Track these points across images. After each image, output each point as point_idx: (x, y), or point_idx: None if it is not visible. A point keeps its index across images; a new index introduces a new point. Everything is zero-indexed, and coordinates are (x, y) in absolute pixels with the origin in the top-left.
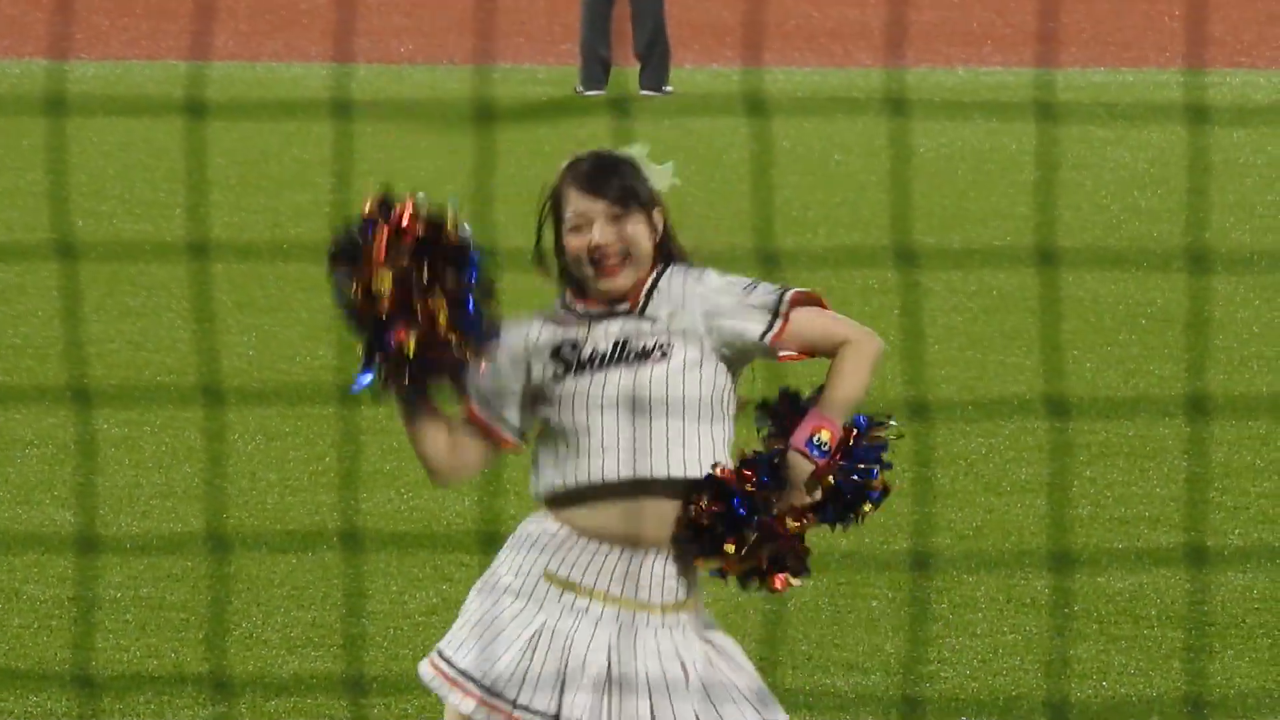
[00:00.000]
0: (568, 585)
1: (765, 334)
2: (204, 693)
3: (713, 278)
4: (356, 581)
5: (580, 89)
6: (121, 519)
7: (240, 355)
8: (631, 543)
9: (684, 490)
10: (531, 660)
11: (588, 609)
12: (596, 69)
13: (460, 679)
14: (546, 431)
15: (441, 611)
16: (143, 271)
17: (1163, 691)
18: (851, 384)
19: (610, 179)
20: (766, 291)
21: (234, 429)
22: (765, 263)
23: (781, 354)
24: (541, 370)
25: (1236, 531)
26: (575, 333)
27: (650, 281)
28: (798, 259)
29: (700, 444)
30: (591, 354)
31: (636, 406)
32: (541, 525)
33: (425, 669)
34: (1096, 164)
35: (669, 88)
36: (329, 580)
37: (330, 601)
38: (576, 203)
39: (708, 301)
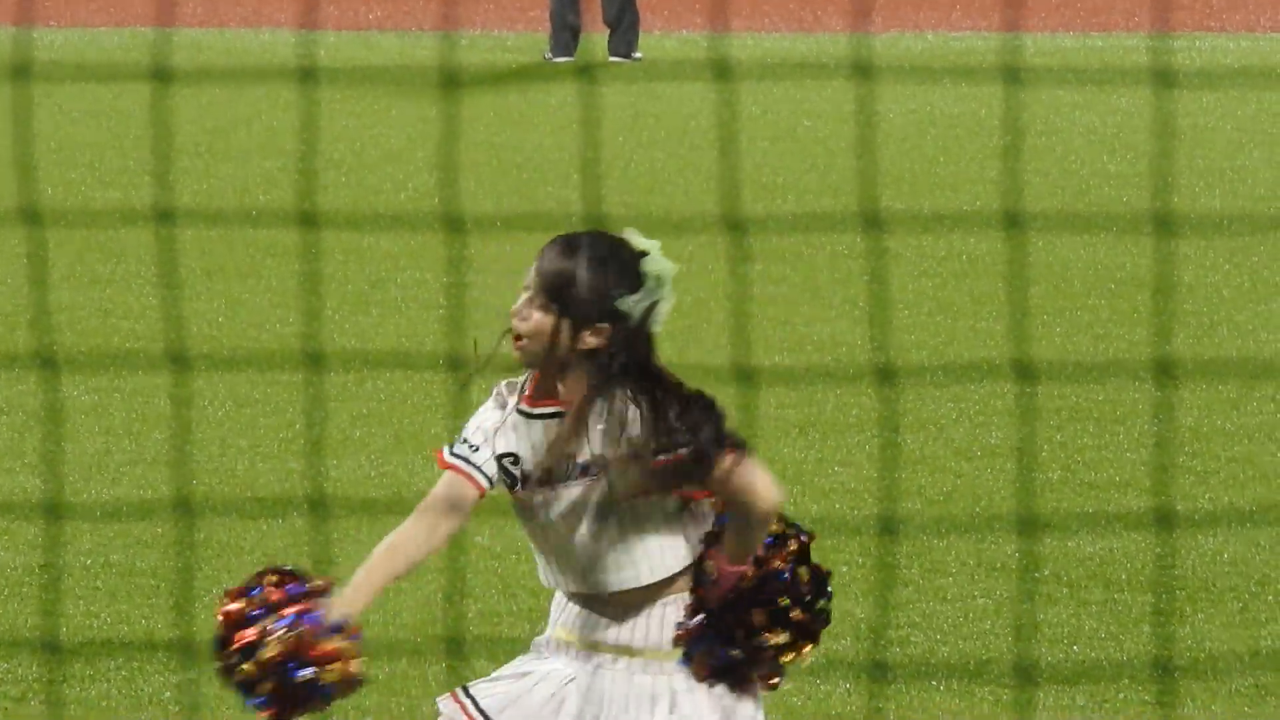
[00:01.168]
0: (580, 644)
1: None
2: (174, 658)
3: (634, 429)
4: (325, 548)
5: (549, 55)
6: (91, 486)
7: (209, 322)
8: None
9: (636, 596)
10: (551, 713)
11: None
12: (565, 35)
13: (477, 716)
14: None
15: (412, 577)
16: (111, 238)
17: (1133, 655)
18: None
19: (551, 258)
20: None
21: (203, 395)
22: (733, 229)
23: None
24: (496, 473)
25: (1206, 495)
26: (518, 443)
27: (587, 403)
28: (766, 225)
29: (646, 553)
30: (530, 471)
31: (579, 522)
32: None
33: (447, 703)
34: (1065, 129)
35: (638, 54)
36: (298, 546)
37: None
38: (533, 267)
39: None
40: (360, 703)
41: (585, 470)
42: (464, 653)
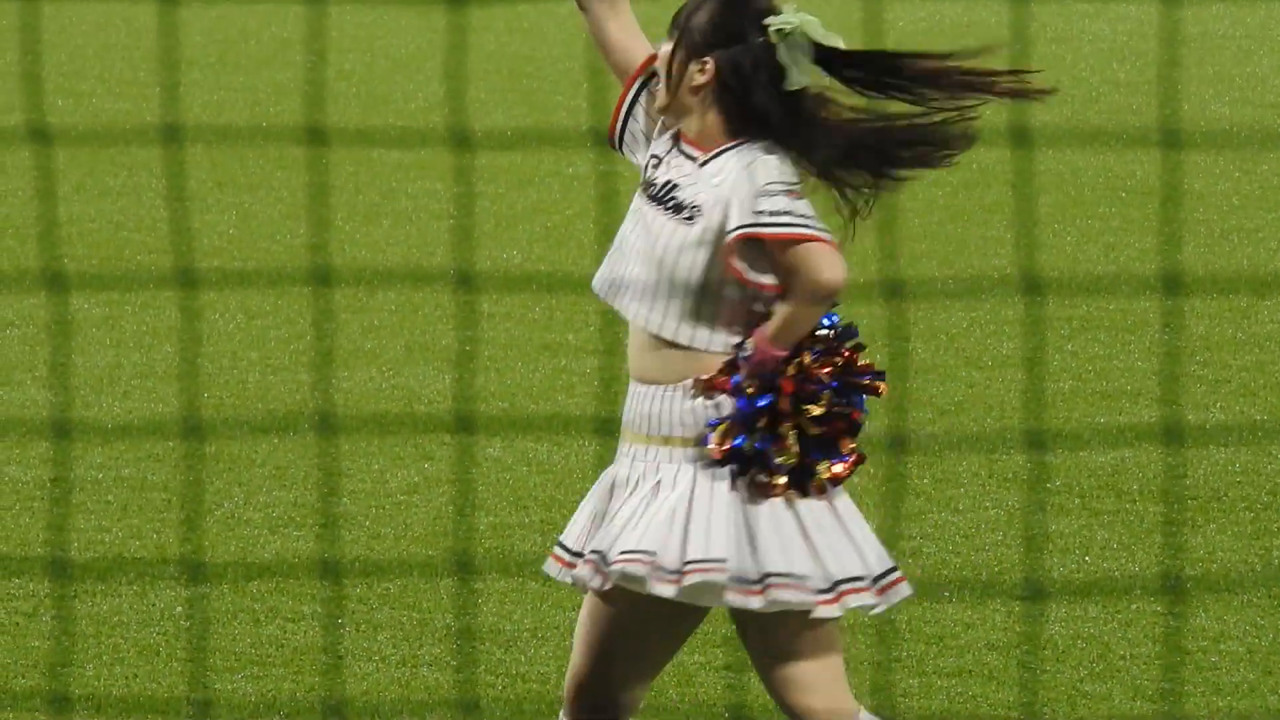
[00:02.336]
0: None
1: (735, 229)
2: (185, 574)
3: (760, 174)
4: (336, 461)
5: None
6: (102, 400)
7: (220, 234)
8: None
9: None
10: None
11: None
12: None
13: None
14: None
15: (422, 490)
16: (121, 152)
17: (1144, 566)
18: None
19: (690, 5)
20: (780, 205)
21: (213, 308)
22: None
23: (735, 264)
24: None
25: (1217, 405)
26: (662, 150)
27: (724, 146)
28: None
29: (690, 319)
30: (652, 180)
31: (650, 251)
32: None
33: (549, 564)
34: (1074, 37)
35: None
36: (309, 460)
37: (311, 481)
38: None
39: (738, 189)
40: (371, 616)
41: (680, 208)
42: (475, 566)
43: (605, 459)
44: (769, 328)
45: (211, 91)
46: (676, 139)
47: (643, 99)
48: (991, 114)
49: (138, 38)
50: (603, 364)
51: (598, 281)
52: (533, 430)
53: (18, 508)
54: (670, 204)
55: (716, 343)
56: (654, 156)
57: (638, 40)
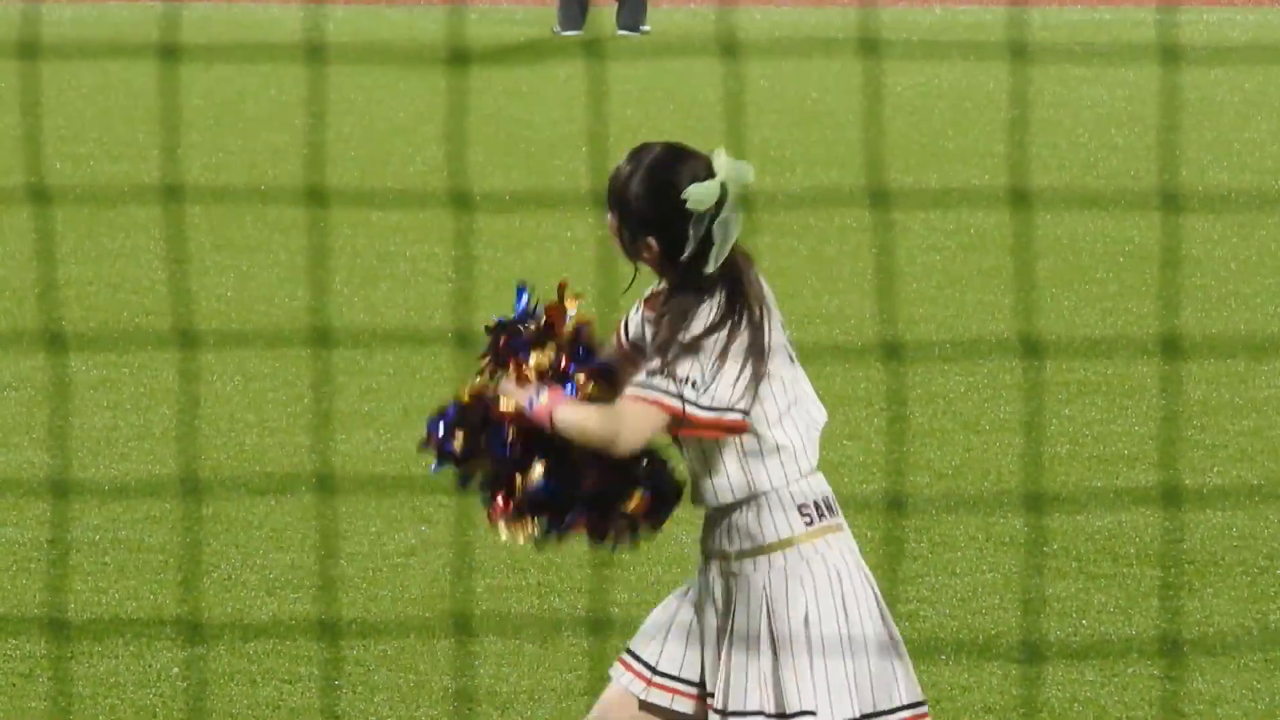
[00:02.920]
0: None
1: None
2: (182, 635)
3: (649, 334)
4: (334, 523)
5: (557, 29)
6: (99, 461)
7: (218, 297)
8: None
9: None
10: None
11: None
12: (574, 9)
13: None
14: None
15: (420, 553)
16: (120, 214)
17: (1141, 629)
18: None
19: (615, 179)
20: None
21: (212, 370)
22: (741, 204)
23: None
24: None
25: (1214, 469)
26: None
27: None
28: (774, 199)
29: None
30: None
31: None
32: None
33: (615, 669)
34: (1073, 102)
35: (646, 27)
36: (307, 522)
37: (308, 543)
38: None
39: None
40: (368, 678)
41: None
42: (472, 628)
43: None
44: (566, 406)
45: (210, 153)
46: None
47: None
48: (990, 179)
49: (136, 100)
50: None
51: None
52: None
53: (15, 569)
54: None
55: (746, 487)
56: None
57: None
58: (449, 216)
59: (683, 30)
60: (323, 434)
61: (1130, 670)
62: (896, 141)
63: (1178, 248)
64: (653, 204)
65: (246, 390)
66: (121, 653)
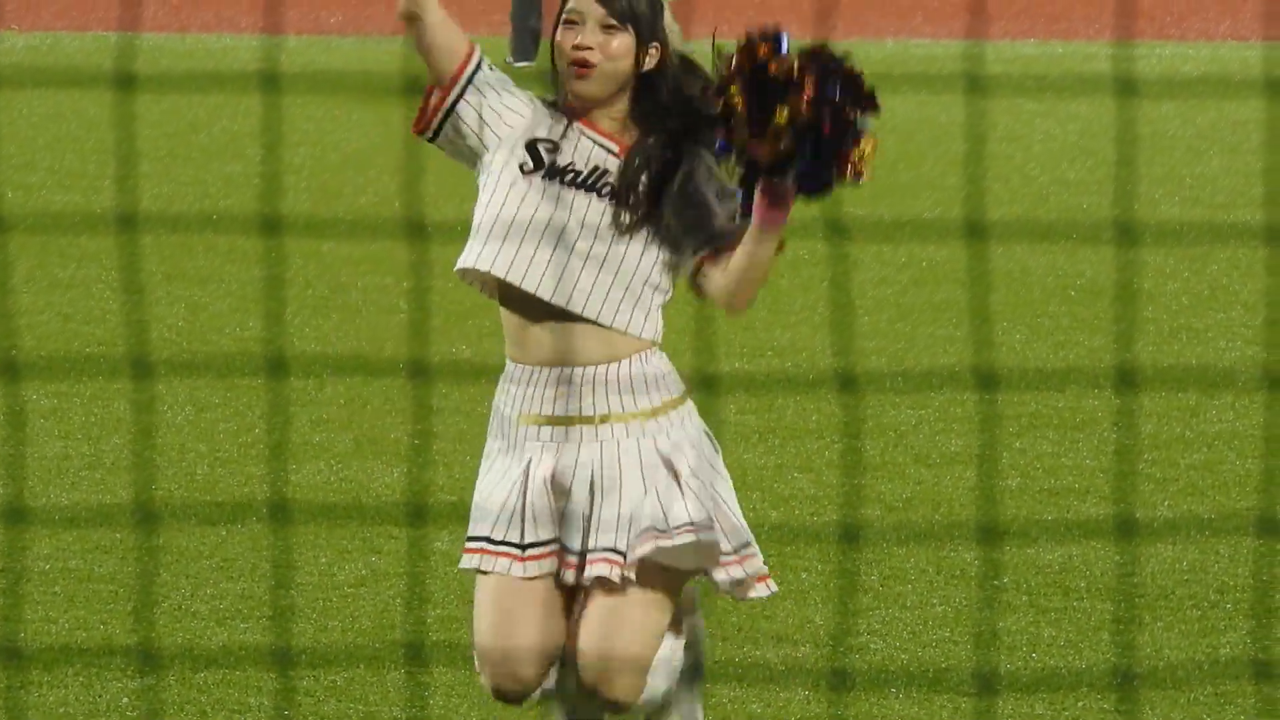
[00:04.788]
0: (521, 419)
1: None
2: (133, 664)
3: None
4: (285, 553)
5: (510, 59)
6: (50, 490)
7: (170, 326)
8: (561, 364)
9: (604, 332)
10: (506, 500)
11: (537, 434)
12: (526, 39)
13: (471, 544)
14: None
15: (370, 583)
16: (72, 243)
17: (1092, 663)
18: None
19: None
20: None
21: (163, 400)
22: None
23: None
24: (509, 152)
25: (1166, 503)
26: (557, 135)
27: (642, 141)
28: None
29: (623, 304)
30: (567, 165)
31: (589, 236)
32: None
33: (463, 561)
34: (1026, 136)
35: None
36: (258, 552)
37: (259, 573)
38: (578, 2)
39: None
40: (319, 709)
41: (613, 193)
42: (423, 659)
43: None
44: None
45: (162, 184)
46: (570, 122)
47: (469, 94)
48: (944, 211)
49: (89, 129)
50: None
51: (495, 264)
52: None
53: None
54: (605, 190)
55: (649, 330)
56: (547, 141)
57: (458, 36)
58: (402, 247)
59: None
60: (274, 464)
61: (1081, 704)
62: None
63: (1130, 281)
64: (657, 14)
65: (198, 420)
66: (71, 682)
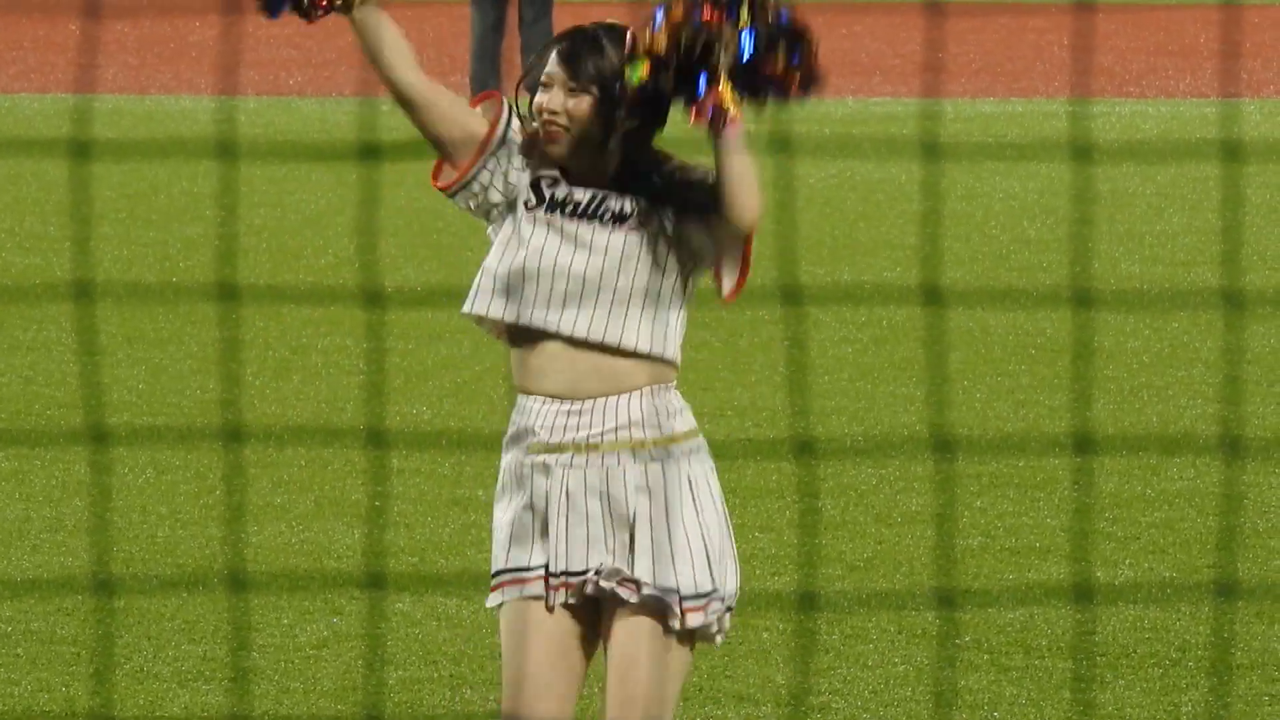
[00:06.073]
0: (531, 448)
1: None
2: None
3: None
4: (246, 615)
5: None
6: (11, 553)
7: (130, 389)
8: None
9: (627, 359)
10: (513, 528)
11: (548, 463)
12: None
13: (493, 583)
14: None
15: (332, 644)
16: (32, 307)
17: None
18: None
19: (583, 55)
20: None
21: (123, 463)
22: None
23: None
24: (515, 184)
25: (1127, 562)
26: (557, 170)
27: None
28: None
29: (641, 325)
30: (566, 197)
31: (596, 263)
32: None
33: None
34: (985, 195)
35: None
36: (219, 614)
37: (220, 635)
38: (550, 65)
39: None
40: None
41: (620, 218)
42: None
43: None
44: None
45: (121, 246)
46: (559, 179)
47: (500, 154)
48: (903, 271)
49: (48, 192)
50: None
51: (505, 310)
52: (442, 585)
53: None
54: (606, 215)
55: (670, 349)
56: (549, 176)
57: (467, 112)
58: (360, 310)
59: None
60: (234, 527)
61: None
62: (809, 234)
63: (1090, 340)
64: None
65: (158, 483)
66: None
